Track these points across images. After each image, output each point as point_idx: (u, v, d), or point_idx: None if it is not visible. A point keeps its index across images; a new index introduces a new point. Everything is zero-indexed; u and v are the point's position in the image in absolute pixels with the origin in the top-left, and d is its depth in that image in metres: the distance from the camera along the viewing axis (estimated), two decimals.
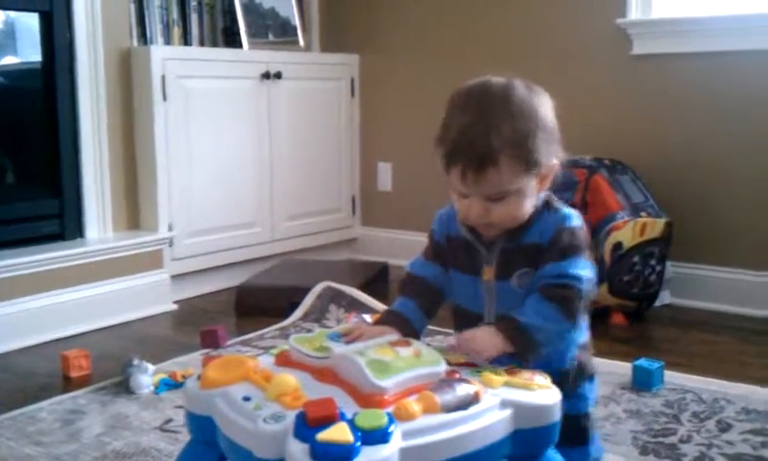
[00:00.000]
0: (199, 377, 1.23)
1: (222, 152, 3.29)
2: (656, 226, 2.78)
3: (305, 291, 2.94)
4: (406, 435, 1.04)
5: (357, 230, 3.97)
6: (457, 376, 1.19)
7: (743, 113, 2.92)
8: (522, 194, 1.28)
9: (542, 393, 1.18)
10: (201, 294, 3.26)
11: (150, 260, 3.03)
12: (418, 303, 1.38)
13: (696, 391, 2.13)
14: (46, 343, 2.64)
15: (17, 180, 3.02)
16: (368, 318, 1.47)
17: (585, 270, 1.30)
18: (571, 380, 1.26)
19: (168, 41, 3.34)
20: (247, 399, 1.14)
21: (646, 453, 1.78)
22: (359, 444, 1.00)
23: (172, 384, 2.18)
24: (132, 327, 2.85)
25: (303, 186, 3.65)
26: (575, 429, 1.17)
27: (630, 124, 3.15)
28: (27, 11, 2.88)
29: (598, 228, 2.77)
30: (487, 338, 1.26)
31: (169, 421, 1.98)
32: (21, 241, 2.79)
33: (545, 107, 1.32)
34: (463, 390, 1.13)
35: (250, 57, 3.47)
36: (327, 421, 1.03)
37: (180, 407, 1.98)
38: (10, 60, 3.04)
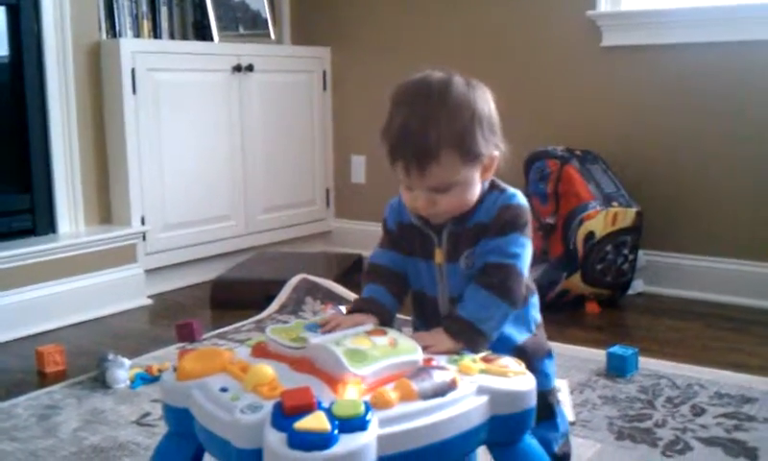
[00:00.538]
0: (175, 370, 1.23)
1: (194, 145, 3.27)
2: (627, 215, 2.81)
3: (281, 284, 2.94)
4: (383, 423, 1.04)
5: (331, 222, 3.98)
6: (434, 363, 1.20)
7: (712, 104, 2.95)
8: (466, 185, 1.32)
9: (518, 379, 1.19)
10: (176, 288, 3.25)
11: (123, 255, 3.01)
12: (386, 288, 1.40)
13: (670, 377, 2.16)
14: (20, 339, 2.62)
15: None
16: (344, 310, 1.47)
17: (522, 248, 1.33)
18: (530, 358, 1.28)
19: (138, 34, 3.31)
20: (224, 390, 1.14)
21: (622, 438, 1.80)
22: (336, 432, 1.00)
23: (148, 378, 2.17)
24: (106, 322, 2.83)
25: (277, 179, 3.64)
26: (541, 406, 1.20)
27: (601, 115, 3.18)
28: None
29: (570, 218, 2.79)
30: (437, 339, 1.29)
31: (146, 415, 1.97)
32: None
33: (483, 100, 1.33)
34: (439, 377, 1.14)
35: (220, 50, 3.45)
36: (304, 410, 1.03)
37: (157, 401, 1.97)
38: None
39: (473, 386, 1.15)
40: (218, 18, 3.56)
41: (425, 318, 1.42)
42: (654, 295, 3.05)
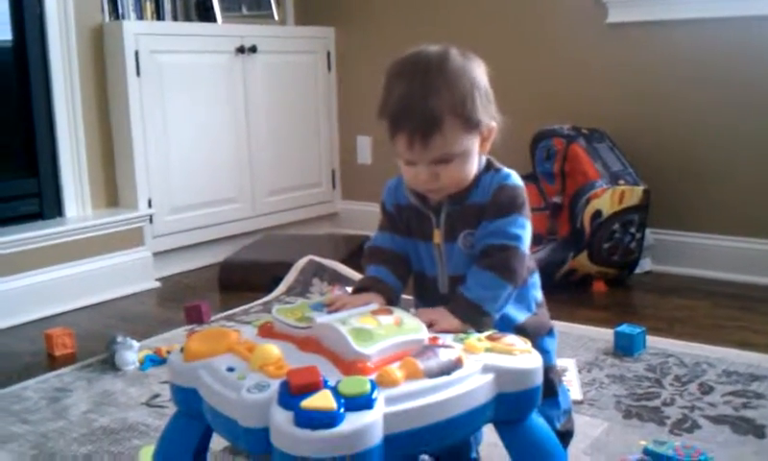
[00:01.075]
0: (182, 350, 1.24)
1: (199, 127, 3.27)
2: (634, 193, 2.80)
3: (288, 266, 2.95)
4: (389, 401, 1.05)
5: (338, 203, 3.97)
6: (439, 342, 1.20)
7: (719, 80, 2.93)
8: (467, 155, 1.32)
9: (524, 357, 1.19)
10: (183, 271, 3.26)
11: (130, 238, 3.02)
12: (389, 269, 1.41)
13: (678, 355, 2.15)
14: (29, 323, 2.63)
15: None
16: (350, 290, 1.48)
17: (522, 229, 1.34)
18: (531, 336, 1.29)
19: (141, 16, 3.30)
20: (230, 369, 1.14)
21: (630, 417, 1.80)
22: (343, 410, 1.00)
23: (157, 360, 2.18)
24: (115, 305, 2.84)
25: (283, 161, 3.64)
26: (543, 383, 1.20)
27: (607, 92, 3.16)
28: None
29: (577, 196, 2.78)
30: (441, 315, 1.30)
31: (155, 396, 1.98)
32: (0, 221, 2.77)
33: (480, 70, 1.35)
34: (445, 355, 1.14)
35: (224, 31, 3.44)
36: (311, 388, 1.03)
37: (166, 383, 1.98)
38: None
39: (479, 364, 1.15)
40: None
41: (426, 298, 1.43)
42: (661, 273, 3.04)
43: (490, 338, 1.23)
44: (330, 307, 1.30)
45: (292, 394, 1.03)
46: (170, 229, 3.19)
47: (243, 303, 2.75)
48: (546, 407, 1.34)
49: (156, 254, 3.12)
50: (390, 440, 1.03)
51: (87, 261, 2.87)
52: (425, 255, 1.41)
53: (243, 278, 2.99)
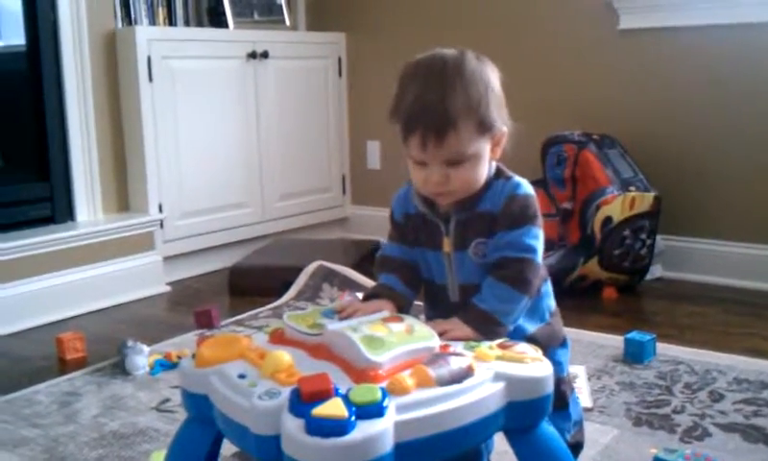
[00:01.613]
0: (194, 356, 1.24)
1: (210, 132, 3.28)
2: (645, 200, 2.79)
3: (298, 271, 2.95)
4: (400, 409, 1.05)
5: (348, 208, 3.98)
6: (450, 350, 1.20)
7: (731, 87, 2.92)
8: (478, 158, 1.32)
9: (535, 365, 1.19)
10: (193, 275, 3.27)
11: (141, 242, 3.03)
12: (399, 277, 1.41)
13: (688, 362, 2.15)
14: (40, 327, 2.64)
15: (6, 164, 3.00)
16: (361, 296, 1.48)
17: (536, 240, 1.34)
18: (543, 347, 1.28)
19: (153, 22, 3.32)
20: (242, 376, 1.14)
21: (640, 424, 1.80)
22: (354, 418, 1.00)
23: (167, 365, 2.18)
24: (125, 310, 2.85)
25: (293, 166, 3.65)
26: (554, 394, 1.20)
27: (618, 98, 3.15)
28: None
29: (588, 203, 2.78)
30: (454, 325, 1.30)
31: (165, 401, 1.99)
32: (12, 225, 2.79)
33: (494, 74, 1.36)
34: (456, 364, 1.14)
35: (235, 36, 3.45)
36: (322, 396, 1.03)
37: (176, 387, 1.99)
38: None
39: (490, 372, 1.15)
40: (233, 5, 3.56)
41: (436, 307, 1.42)
42: (672, 280, 3.03)
43: (501, 346, 1.22)
44: (341, 314, 1.30)
45: (303, 401, 1.03)
46: (180, 233, 3.20)
47: (253, 307, 2.75)
48: (557, 419, 1.33)
49: (166, 259, 3.13)
50: (401, 448, 1.03)
51: (98, 265, 2.89)
52: (435, 264, 1.41)
53: (253, 282, 2.99)
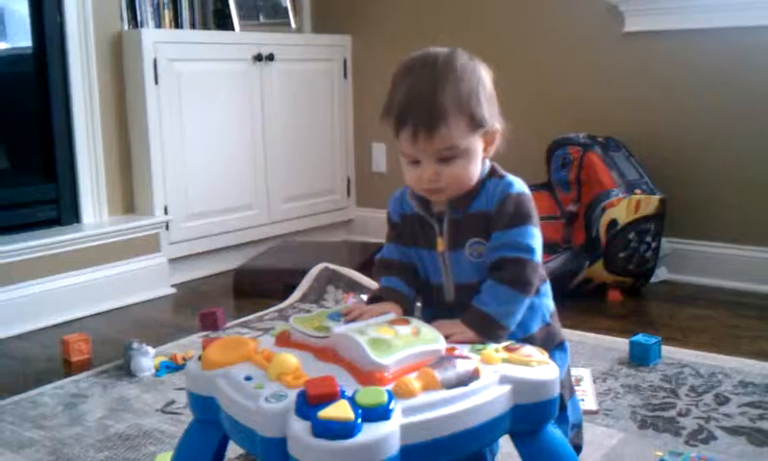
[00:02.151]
0: (200, 358, 1.24)
1: (215, 135, 3.29)
2: (650, 202, 2.79)
3: (303, 273, 2.95)
4: (406, 412, 1.05)
5: (353, 211, 3.98)
6: (456, 352, 1.20)
7: (736, 90, 2.92)
8: (470, 155, 1.33)
9: (541, 368, 1.19)
10: (199, 277, 3.27)
11: (147, 244, 3.04)
12: (401, 279, 1.42)
13: (693, 365, 2.15)
14: (45, 328, 2.65)
15: (12, 165, 3.01)
16: (365, 298, 1.48)
17: (534, 239, 1.34)
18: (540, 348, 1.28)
19: (159, 24, 3.33)
20: (248, 378, 1.15)
21: (645, 427, 1.80)
22: (360, 421, 1.01)
23: (173, 367, 2.19)
24: (130, 311, 2.86)
25: (298, 168, 3.65)
26: None
27: (623, 101, 3.15)
28: None
29: (593, 205, 2.78)
30: (459, 328, 1.30)
31: (171, 403, 1.99)
32: (18, 227, 2.80)
33: (485, 73, 1.37)
34: (462, 366, 1.14)
35: (241, 39, 3.46)
36: (328, 398, 1.04)
37: (182, 389, 1.99)
38: (0, 45, 3.03)
39: (496, 375, 1.15)
40: (239, 7, 3.56)
41: (432, 307, 1.43)
42: (677, 283, 3.03)
43: (507, 349, 1.23)
44: (347, 317, 1.30)
45: (309, 404, 1.04)
46: (186, 235, 3.21)
47: (258, 309, 2.76)
48: (555, 422, 1.33)
49: (171, 261, 3.14)
50: (407, 451, 1.04)
51: (104, 267, 2.89)
52: (430, 264, 1.41)
53: (258, 284, 3.00)
